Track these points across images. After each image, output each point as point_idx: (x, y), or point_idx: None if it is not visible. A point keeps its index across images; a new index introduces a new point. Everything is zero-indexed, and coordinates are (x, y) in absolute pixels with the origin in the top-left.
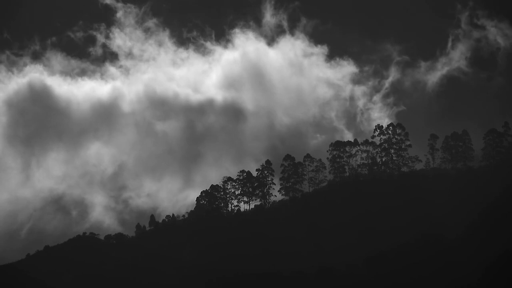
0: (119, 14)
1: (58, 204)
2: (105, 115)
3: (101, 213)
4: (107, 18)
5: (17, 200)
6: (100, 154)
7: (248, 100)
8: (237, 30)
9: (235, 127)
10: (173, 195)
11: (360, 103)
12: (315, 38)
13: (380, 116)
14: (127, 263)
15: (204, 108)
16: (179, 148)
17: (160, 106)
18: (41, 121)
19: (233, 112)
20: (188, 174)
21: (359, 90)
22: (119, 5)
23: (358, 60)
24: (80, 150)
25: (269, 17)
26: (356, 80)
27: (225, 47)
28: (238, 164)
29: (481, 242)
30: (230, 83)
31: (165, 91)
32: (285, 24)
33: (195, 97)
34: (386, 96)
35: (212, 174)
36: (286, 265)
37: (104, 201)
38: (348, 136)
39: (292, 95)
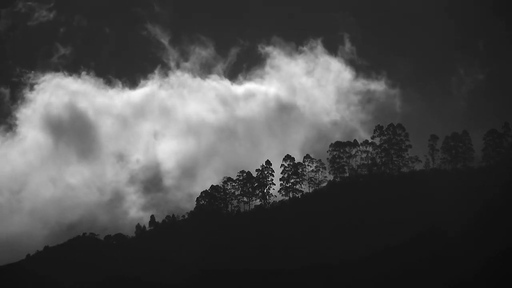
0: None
1: (102, 200)
2: (150, 114)
3: (140, 211)
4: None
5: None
6: (142, 152)
7: (295, 99)
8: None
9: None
10: None
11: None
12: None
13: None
14: (127, 263)
15: (247, 101)
16: (218, 147)
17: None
18: (84, 124)
19: (279, 108)
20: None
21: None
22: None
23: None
24: (126, 148)
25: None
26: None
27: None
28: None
29: (481, 242)
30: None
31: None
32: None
33: (235, 91)
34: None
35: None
36: (286, 266)
37: (144, 199)
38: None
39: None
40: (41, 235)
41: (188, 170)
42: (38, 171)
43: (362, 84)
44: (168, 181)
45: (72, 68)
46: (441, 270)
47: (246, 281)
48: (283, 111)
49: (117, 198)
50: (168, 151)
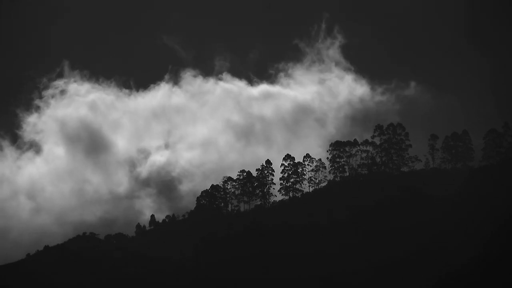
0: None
1: (117, 203)
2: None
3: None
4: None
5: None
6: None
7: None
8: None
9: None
10: None
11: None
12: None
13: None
14: (127, 263)
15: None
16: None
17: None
18: (98, 129)
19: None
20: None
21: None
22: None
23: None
24: (140, 151)
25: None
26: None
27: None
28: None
29: (481, 242)
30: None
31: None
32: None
33: (252, 93)
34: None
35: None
36: (286, 265)
37: (159, 203)
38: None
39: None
40: (59, 239)
41: (203, 173)
42: (53, 177)
43: (373, 87)
44: (185, 185)
45: (85, 74)
46: (440, 273)
47: (246, 281)
48: (301, 113)
49: (132, 200)
50: (184, 153)
